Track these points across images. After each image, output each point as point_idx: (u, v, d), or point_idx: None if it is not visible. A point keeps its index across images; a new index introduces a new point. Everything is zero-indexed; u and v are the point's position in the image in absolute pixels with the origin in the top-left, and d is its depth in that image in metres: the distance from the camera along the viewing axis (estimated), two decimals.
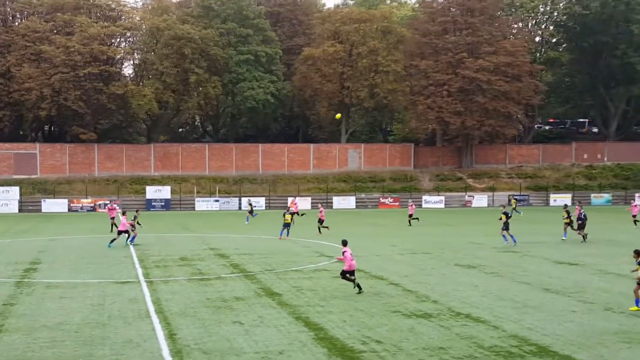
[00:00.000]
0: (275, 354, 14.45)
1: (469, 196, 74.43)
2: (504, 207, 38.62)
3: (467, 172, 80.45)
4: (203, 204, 69.13)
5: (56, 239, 38.65)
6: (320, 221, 41.24)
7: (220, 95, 76.85)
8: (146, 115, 77.09)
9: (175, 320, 17.43)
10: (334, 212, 64.03)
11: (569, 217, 36.89)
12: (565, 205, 40.52)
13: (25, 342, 15.33)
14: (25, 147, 73.50)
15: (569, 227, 36.72)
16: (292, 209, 41.60)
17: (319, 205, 43.49)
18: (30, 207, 66.18)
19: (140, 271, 25.92)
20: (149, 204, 68.45)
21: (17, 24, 77.11)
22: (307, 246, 34.46)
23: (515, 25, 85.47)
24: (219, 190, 72.17)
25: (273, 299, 20.35)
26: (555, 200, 74.55)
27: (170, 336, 15.83)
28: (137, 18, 79.99)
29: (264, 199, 70.91)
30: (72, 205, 66.58)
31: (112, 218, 42.53)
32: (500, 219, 35.00)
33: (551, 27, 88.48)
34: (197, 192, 71.78)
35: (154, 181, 72.92)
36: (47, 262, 28.72)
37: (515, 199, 63.88)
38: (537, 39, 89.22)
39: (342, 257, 21.41)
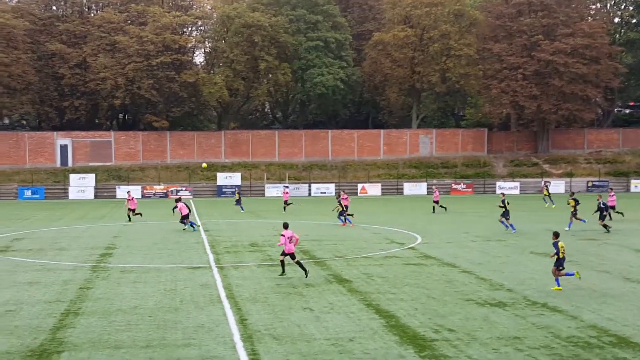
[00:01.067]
0: (345, 340, 14.40)
1: (545, 182, 72.61)
2: (573, 193, 37.63)
3: (543, 158, 78.48)
4: (273, 190, 69.73)
5: (130, 224, 39.66)
6: (346, 208, 38.70)
7: (289, 82, 77.20)
8: (217, 102, 78.20)
9: (245, 306, 17.60)
10: (404, 199, 63.52)
11: (575, 206, 35.30)
12: (573, 193, 38.74)
13: (101, 325, 15.76)
14: (101, 135, 75.69)
15: (573, 217, 35.16)
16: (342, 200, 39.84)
17: (342, 192, 41.67)
18: (105, 194, 68.18)
19: (211, 257, 26.32)
20: (219, 191, 69.52)
21: (92, 15, 79.31)
22: (377, 233, 34.28)
23: (593, 6, 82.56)
24: (288, 177, 72.67)
25: (343, 286, 20.30)
26: (636, 186, 71.97)
27: (241, 321, 15.98)
28: (208, 7, 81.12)
29: (333, 185, 71.01)
30: (145, 191, 68.25)
31: (131, 209, 40.60)
32: (569, 203, 35.34)
33: (631, 8, 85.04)
34: (267, 179, 72.46)
35: (225, 168, 73.99)
36: (122, 247, 29.51)
37: (546, 186, 59.05)
38: (616, 19, 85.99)
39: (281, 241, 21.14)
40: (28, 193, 66.07)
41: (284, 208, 47.76)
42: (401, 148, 79.08)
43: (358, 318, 16.32)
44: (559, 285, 19.37)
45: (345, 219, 37.83)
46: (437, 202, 47.19)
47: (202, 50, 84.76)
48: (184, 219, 35.19)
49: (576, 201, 35.54)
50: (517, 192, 71.44)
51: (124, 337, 14.72)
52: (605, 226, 33.74)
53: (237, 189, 57.40)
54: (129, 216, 41.06)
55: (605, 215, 34.30)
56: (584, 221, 35.15)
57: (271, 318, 16.32)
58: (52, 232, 35.57)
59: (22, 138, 74.12)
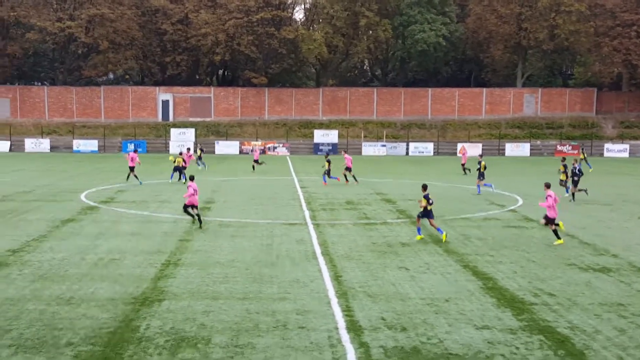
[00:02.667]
0: (441, 301, 14.32)
1: None
2: (564, 159, 35.35)
3: None
4: (370, 149, 69.57)
5: (228, 180, 40.62)
6: (348, 169, 38.07)
7: (390, 38, 76.15)
8: (316, 59, 78.24)
9: (340, 263, 17.76)
10: (505, 160, 62.03)
11: (565, 172, 33.13)
12: (563, 159, 35.70)
13: (200, 276, 16.30)
14: (201, 91, 77.43)
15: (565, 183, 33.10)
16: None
17: (342, 151, 40.49)
18: (205, 149, 69.97)
19: (307, 213, 26.63)
20: (316, 148, 69.99)
21: None
22: (477, 194, 33.68)
23: None
24: (386, 135, 72.25)
25: (440, 246, 20.14)
26: None
27: (336, 278, 16.15)
28: None
29: (432, 144, 70.12)
30: (243, 147, 69.57)
31: (132, 167, 37.84)
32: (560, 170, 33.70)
33: None
34: (364, 137, 72.31)
35: (322, 125, 74.32)
36: (220, 201, 30.29)
37: (582, 150, 54.14)
38: None
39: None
40: (131, 146, 68.64)
41: (253, 167, 46.33)
42: (504, 107, 76.95)
43: (454, 279, 16.18)
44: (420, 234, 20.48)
45: (328, 178, 37.91)
46: (464, 164, 46.13)
47: (302, 6, 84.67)
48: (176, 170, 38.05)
49: (565, 167, 33.48)
50: (626, 155, 68.38)
51: (221, 288, 15.18)
52: (573, 194, 31.62)
53: (199, 145, 51.91)
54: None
55: (577, 182, 31.83)
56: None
57: (366, 276, 16.40)
58: (154, 185, 36.90)
59: (126, 93, 76.84)
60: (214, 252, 19.02)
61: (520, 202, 30.63)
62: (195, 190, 23.06)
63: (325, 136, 70.86)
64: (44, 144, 68.95)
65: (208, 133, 73.00)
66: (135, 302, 14.02)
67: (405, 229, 23.24)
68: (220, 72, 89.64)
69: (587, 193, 31.88)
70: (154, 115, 75.92)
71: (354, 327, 12.50)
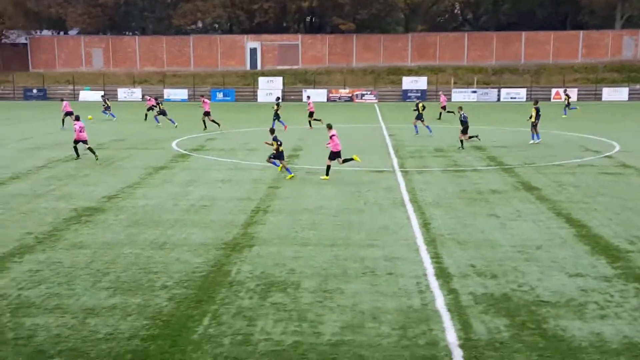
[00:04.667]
0: (532, 248, 14.00)
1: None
2: (537, 102, 33.11)
3: None
4: (460, 95, 68.09)
5: (315, 128, 40.68)
6: (310, 114, 39.66)
7: None
8: (404, 4, 76.59)
9: (429, 210, 17.58)
10: (602, 105, 59.47)
11: (536, 116, 31.09)
12: (536, 102, 33.11)
13: (289, 222, 16.49)
14: (289, 39, 77.40)
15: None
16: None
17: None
18: (292, 97, 70.23)
19: (395, 161, 26.44)
20: (404, 95, 69.10)
21: None
22: (571, 140, 32.55)
23: None
24: (477, 81, 70.49)
25: (532, 194, 19.63)
26: None
27: (425, 225, 16.02)
28: None
29: (524, 90, 67.96)
30: (330, 95, 69.42)
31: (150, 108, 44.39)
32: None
33: None
34: (454, 83, 70.79)
35: (411, 72, 73.15)
36: (307, 149, 30.44)
37: (567, 94, 51.15)
38: None
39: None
40: (220, 95, 69.66)
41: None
42: (602, 51, 73.50)
43: (546, 226, 15.77)
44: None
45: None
46: (444, 107, 45.82)
47: None
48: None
49: (537, 110, 31.40)
50: None
51: (309, 235, 15.32)
52: (470, 138, 30.19)
53: (157, 99, 46.45)
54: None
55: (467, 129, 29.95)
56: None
57: (454, 223, 16.20)
58: (243, 133, 37.41)
59: (214, 41, 77.70)
60: (302, 199, 19.18)
61: (617, 148, 29.40)
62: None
63: (414, 83, 69.80)
64: (136, 93, 70.85)
65: (295, 81, 73.15)
66: (226, 247, 14.34)
67: (496, 176, 22.74)
68: (308, 19, 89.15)
69: (462, 146, 29.89)
70: (242, 63, 76.60)
71: (442, 274, 12.40)
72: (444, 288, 11.65)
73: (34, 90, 71.35)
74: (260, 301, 11.11)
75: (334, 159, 22.58)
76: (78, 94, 70.96)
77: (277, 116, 38.93)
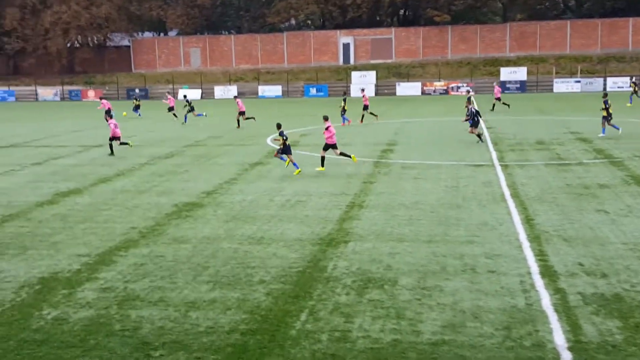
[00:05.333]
0: None
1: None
2: (606, 94, 31.20)
3: None
4: (562, 86, 65.92)
5: (410, 121, 40.32)
6: (365, 107, 39.23)
7: None
8: None
9: (532, 206, 17.03)
10: None
11: (606, 108, 29.16)
12: (605, 94, 30.74)
13: (384, 218, 16.34)
14: (382, 33, 77.05)
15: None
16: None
17: (362, 90, 40.54)
18: (386, 91, 69.87)
19: (494, 154, 25.81)
20: (502, 86, 67.49)
21: None
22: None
23: None
24: (580, 71, 68.00)
25: None
26: None
27: (527, 221, 15.51)
28: None
29: (631, 79, 65.03)
30: (425, 88, 68.63)
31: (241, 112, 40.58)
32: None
33: None
34: (556, 73, 68.56)
35: (509, 62, 71.37)
36: (402, 143, 30.15)
37: (634, 82, 48.35)
38: None
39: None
40: (313, 91, 70.15)
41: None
42: None
43: None
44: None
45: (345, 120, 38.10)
46: (498, 99, 45.02)
47: None
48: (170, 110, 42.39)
49: (606, 104, 29.36)
50: None
51: (406, 230, 15.13)
52: (478, 135, 29.24)
53: (185, 96, 46.32)
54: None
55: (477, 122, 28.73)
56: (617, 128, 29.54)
57: (560, 219, 15.61)
58: (336, 128, 37.41)
59: (307, 37, 78.29)
60: (398, 194, 18.98)
61: None
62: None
63: (513, 74, 68.07)
64: (232, 91, 72.29)
65: (389, 75, 72.76)
66: (321, 242, 14.35)
67: (604, 169, 21.81)
68: (401, 12, 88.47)
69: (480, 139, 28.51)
70: (335, 59, 76.84)
71: (548, 272, 11.95)
72: (550, 287, 11.22)
73: (136, 90, 73.97)
74: (358, 297, 11.03)
75: (327, 150, 23.35)
76: (177, 93, 73.07)
77: (344, 111, 38.74)
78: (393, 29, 77.84)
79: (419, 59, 75.04)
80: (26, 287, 11.89)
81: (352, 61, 76.26)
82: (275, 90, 71.57)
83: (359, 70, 72.71)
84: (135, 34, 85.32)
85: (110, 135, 28.56)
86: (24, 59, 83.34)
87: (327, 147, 23.38)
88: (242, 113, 39.51)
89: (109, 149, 28.56)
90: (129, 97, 73.47)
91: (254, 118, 40.38)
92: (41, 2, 79.41)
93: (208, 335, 9.71)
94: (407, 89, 68.98)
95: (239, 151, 29.15)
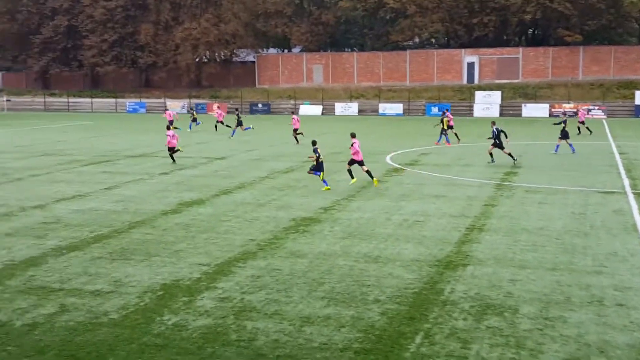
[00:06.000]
0: None
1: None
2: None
3: None
4: None
5: (534, 143, 39.18)
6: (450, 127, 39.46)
7: None
8: (639, 13, 71.63)
9: None
10: None
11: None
12: (564, 114, 30.03)
13: (505, 242, 15.93)
14: (508, 52, 75.45)
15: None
16: None
17: (446, 110, 41.30)
18: (511, 112, 68.23)
19: (627, 182, 24.64)
20: (637, 110, 64.37)
21: None
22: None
23: None
24: None
25: None
26: None
27: None
28: None
29: None
30: (553, 110, 66.47)
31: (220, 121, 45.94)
32: None
33: None
34: None
35: None
36: (527, 166, 29.33)
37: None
38: None
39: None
40: (435, 110, 69.48)
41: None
42: None
43: None
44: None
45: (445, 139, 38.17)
46: (582, 122, 44.09)
47: None
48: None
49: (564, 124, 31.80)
50: None
51: (529, 257, 14.67)
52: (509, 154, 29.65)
53: (237, 110, 49.72)
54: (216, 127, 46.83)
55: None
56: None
57: None
58: (458, 148, 36.94)
59: (430, 56, 77.83)
60: (521, 219, 18.45)
61: None
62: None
63: None
64: (352, 108, 72.86)
65: (515, 95, 71.07)
66: (439, 264, 14.15)
67: None
68: (530, 31, 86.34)
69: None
70: (458, 78, 75.93)
71: None
72: None
73: (259, 105, 75.98)
74: (475, 323, 10.78)
75: (352, 164, 24.43)
76: (298, 108, 74.49)
77: (444, 131, 38.20)
78: (521, 49, 76.06)
79: (548, 79, 72.89)
80: (149, 292, 12.41)
81: (476, 80, 75.11)
82: (396, 108, 71.50)
83: (483, 89, 71.46)
84: (260, 50, 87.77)
85: (167, 145, 30.88)
86: (155, 72, 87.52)
87: (352, 162, 24.48)
88: (295, 130, 40.60)
89: (171, 159, 30.74)
90: (251, 111, 75.54)
91: (302, 133, 40.74)
92: (173, 19, 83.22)
93: (322, 351, 9.76)
94: (534, 110, 67.07)
95: (358, 168, 29.24)
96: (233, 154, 34.89)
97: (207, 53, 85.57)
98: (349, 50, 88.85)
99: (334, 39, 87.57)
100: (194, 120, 51.60)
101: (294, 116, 42.08)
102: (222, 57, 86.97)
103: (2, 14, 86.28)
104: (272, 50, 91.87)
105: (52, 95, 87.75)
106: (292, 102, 75.98)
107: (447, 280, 13.07)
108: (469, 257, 14.69)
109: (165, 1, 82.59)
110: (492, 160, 30.14)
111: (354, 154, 24.43)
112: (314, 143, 24.49)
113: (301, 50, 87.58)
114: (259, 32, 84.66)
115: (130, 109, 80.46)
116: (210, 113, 71.48)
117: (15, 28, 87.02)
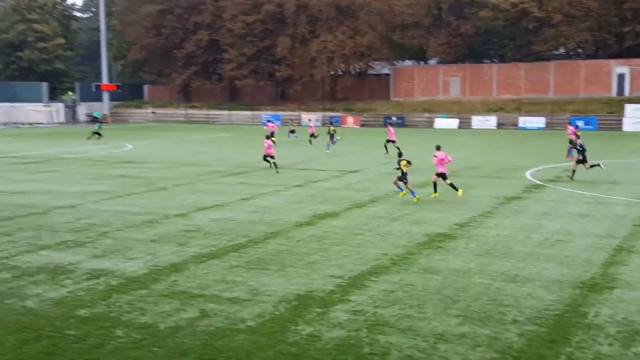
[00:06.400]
0: None
1: None
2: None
3: None
4: None
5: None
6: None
7: None
8: None
9: None
10: None
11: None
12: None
13: None
14: None
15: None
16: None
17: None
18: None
19: None
20: None
21: None
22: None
23: None
24: None
25: None
26: None
27: None
28: None
29: None
30: None
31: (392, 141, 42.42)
32: None
33: None
34: None
35: None
36: None
37: None
38: None
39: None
40: (580, 123, 66.92)
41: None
42: None
43: None
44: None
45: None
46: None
47: None
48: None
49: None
50: None
51: None
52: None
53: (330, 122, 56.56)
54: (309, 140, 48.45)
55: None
56: None
57: None
58: (608, 164, 35.47)
59: (577, 67, 75.16)
60: None
61: None
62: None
63: None
64: (490, 121, 71.56)
65: None
66: (583, 286, 13.69)
67: None
68: None
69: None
70: (607, 90, 72.89)
71: None
72: None
73: (394, 118, 76.19)
74: (622, 349, 10.37)
75: (438, 177, 24.66)
76: (433, 121, 74.08)
77: (573, 145, 36.23)
78: None
79: None
80: (284, 302, 12.81)
81: (626, 93, 71.73)
82: (537, 121, 69.55)
83: (634, 102, 68.11)
84: (395, 63, 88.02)
85: (264, 153, 33.64)
86: (291, 85, 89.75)
87: (438, 175, 24.76)
88: (391, 141, 41.82)
89: (267, 164, 33.87)
90: (384, 124, 75.87)
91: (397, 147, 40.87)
92: (310, 32, 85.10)
93: None
94: None
95: (496, 183, 28.79)
96: (367, 167, 35.20)
97: (342, 66, 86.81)
98: (488, 61, 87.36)
99: (473, 50, 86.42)
100: (332, 136, 52.36)
101: (390, 128, 43.75)
102: (357, 69, 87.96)
103: (148, 30, 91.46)
104: (407, 62, 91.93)
105: (193, 107, 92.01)
106: (427, 115, 75.62)
107: (592, 303, 12.63)
108: (616, 280, 14.11)
109: (303, 15, 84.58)
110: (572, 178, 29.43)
111: (436, 164, 24.71)
112: (399, 155, 25.85)
113: (438, 62, 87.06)
114: (395, 44, 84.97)
115: (265, 122, 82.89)
116: (343, 126, 72.45)
117: (160, 43, 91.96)
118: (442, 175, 24.67)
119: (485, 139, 55.23)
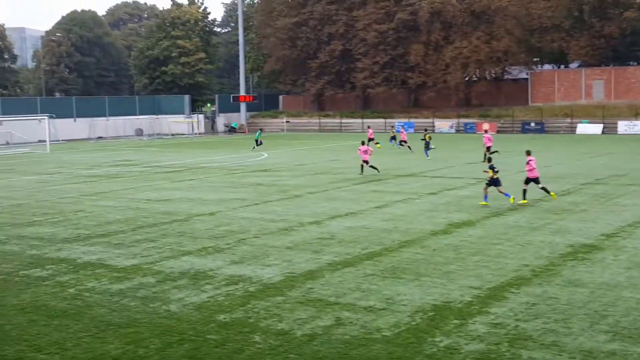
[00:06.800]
0: None
1: None
2: None
3: None
4: None
5: None
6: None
7: None
8: None
9: None
10: None
11: None
12: None
13: None
14: None
15: None
16: None
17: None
18: None
19: None
20: None
21: None
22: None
23: None
24: None
25: None
26: None
27: None
28: None
29: None
30: None
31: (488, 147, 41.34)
32: None
33: None
34: None
35: None
36: None
37: None
38: None
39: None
40: None
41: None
42: None
43: None
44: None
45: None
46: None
47: None
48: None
49: None
50: None
51: None
52: None
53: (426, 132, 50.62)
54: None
55: None
56: None
57: None
58: None
59: None
60: None
61: None
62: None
63: None
64: (638, 126, 67.89)
65: None
66: None
67: None
68: None
69: None
70: None
71: None
72: None
73: (532, 124, 73.85)
74: None
75: (528, 184, 24.58)
76: (575, 127, 71.27)
77: None
78: None
79: None
80: (420, 312, 12.56)
81: None
82: None
83: None
84: (533, 67, 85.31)
85: (362, 158, 34.76)
86: (424, 92, 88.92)
87: (527, 180, 24.71)
88: (488, 148, 41.23)
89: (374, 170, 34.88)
90: (523, 130, 73.65)
91: (497, 151, 41.24)
92: (444, 39, 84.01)
93: None
94: None
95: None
96: (504, 175, 34.19)
97: (477, 71, 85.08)
98: (635, 64, 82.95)
99: (617, 52, 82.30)
100: (393, 138, 56.12)
101: (486, 135, 43.25)
102: (493, 75, 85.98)
103: (284, 41, 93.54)
104: (546, 67, 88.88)
105: (326, 116, 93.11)
106: (568, 120, 72.75)
107: None
108: None
109: (436, 21, 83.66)
110: None
111: (529, 171, 24.76)
112: (489, 160, 25.67)
113: (579, 66, 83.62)
114: (533, 48, 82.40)
115: (398, 129, 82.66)
116: (479, 132, 70.98)
117: (295, 54, 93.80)
118: (535, 180, 24.60)
119: (632, 145, 52.38)
